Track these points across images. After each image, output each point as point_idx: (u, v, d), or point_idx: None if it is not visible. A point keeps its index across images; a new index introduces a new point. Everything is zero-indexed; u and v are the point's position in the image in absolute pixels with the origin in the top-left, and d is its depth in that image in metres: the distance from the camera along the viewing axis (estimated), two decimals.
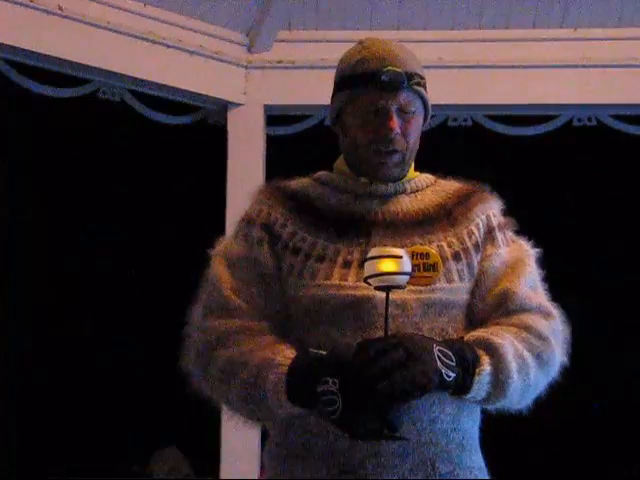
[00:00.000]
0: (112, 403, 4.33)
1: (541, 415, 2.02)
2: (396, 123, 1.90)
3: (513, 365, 1.80)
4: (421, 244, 1.89)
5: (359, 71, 1.92)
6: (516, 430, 2.20)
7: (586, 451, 4.49)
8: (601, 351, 4.41)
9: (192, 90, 4.28)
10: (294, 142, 4.42)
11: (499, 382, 1.80)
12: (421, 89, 1.94)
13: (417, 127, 1.95)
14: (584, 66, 4.36)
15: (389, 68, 1.89)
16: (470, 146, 4.41)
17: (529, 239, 2.04)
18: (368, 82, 1.90)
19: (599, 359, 4.40)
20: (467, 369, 1.77)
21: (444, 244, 1.91)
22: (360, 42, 2.00)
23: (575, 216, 4.54)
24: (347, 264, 1.87)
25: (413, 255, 1.85)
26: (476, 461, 1.91)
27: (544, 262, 2.03)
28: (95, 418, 4.33)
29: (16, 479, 3.93)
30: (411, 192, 1.98)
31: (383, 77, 1.89)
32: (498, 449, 2.19)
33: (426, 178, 2.03)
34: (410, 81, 1.91)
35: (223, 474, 4.10)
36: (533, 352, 1.85)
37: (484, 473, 1.93)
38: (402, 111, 1.91)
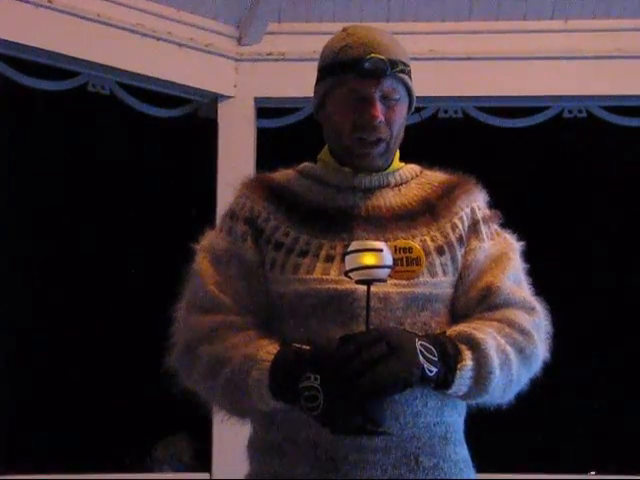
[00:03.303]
0: (100, 400, 4.32)
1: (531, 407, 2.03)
2: (379, 110, 1.88)
3: (495, 360, 1.80)
4: (404, 238, 1.88)
5: (342, 58, 1.91)
6: (503, 422, 2.20)
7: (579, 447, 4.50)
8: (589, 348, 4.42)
9: (182, 83, 4.26)
10: (285, 135, 4.40)
11: (481, 377, 1.79)
12: (405, 76, 1.92)
13: (401, 115, 1.93)
14: (575, 58, 4.35)
15: (372, 55, 1.88)
16: (461, 138, 4.40)
17: (518, 231, 2.03)
18: (351, 69, 1.89)
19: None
20: (449, 364, 1.76)
21: (427, 238, 1.90)
22: (344, 29, 1.98)
23: (565, 208, 4.54)
24: (330, 258, 1.86)
25: (396, 249, 1.84)
26: (461, 454, 1.91)
27: (532, 254, 2.02)
28: (84, 415, 4.32)
29: (7, 475, 3.92)
30: (395, 185, 1.96)
31: (366, 64, 1.87)
32: (485, 441, 2.19)
33: (411, 169, 2.01)
34: (394, 68, 1.89)
35: (215, 470, 4.10)
36: (516, 347, 1.84)
37: (469, 466, 1.93)
38: (386, 98, 1.90)
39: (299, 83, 4.14)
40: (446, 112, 4.42)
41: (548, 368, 1.94)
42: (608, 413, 4.52)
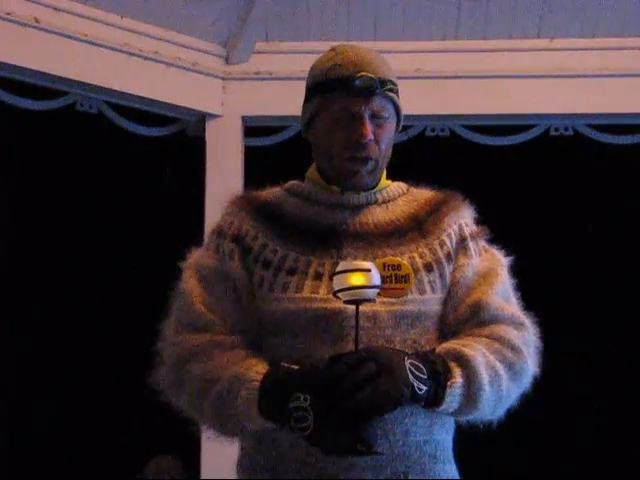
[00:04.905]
0: (90, 419, 4.30)
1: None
2: (369, 129, 1.89)
3: (485, 377, 1.80)
4: (392, 255, 1.88)
5: (332, 77, 1.92)
6: (490, 439, 2.20)
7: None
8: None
9: (170, 102, 4.28)
10: (272, 153, 4.42)
11: (471, 394, 1.79)
12: (394, 95, 1.94)
13: (390, 133, 1.94)
14: (560, 76, 4.39)
15: (362, 74, 1.89)
16: (448, 156, 4.42)
17: (505, 248, 2.04)
18: (341, 88, 1.89)
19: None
20: (439, 381, 1.76)
21: (416, 255, 1.90)
22: (332, 49, 1.99)
23: (552, 225, 4.55)
24: (318, 276, 1.86)
25: (384, 267, 1.84)
26: (450, 472, 1.91)
27: (520, 271, 2.03)
28: (73, 434, 4.30)
29: None
30: (382, 202, 1.97)
31: (356, 82, 1.88)
32: (474, 459, 2.20)
33: (398, 187, 2.02)
34: (383, 87, 1.90)
35: None
36: (505, 363, 1.85)
37: None
38: (375, 117, 1.91)
39: (287, 102, 4.15)
40: (433, 130, 4.45)
41: (537, 384, 1.95)
42: (600, 429, 4.52)
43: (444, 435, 1.90)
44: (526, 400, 1.94)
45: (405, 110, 2.00)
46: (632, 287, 4.55)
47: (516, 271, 2.02)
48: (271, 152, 4.42)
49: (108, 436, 4.33)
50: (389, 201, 1.98)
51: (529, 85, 4.38)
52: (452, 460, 1.93)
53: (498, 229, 2.04)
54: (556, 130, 4.43)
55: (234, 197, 2.01)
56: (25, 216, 4.29)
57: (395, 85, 1.94)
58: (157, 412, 1.97)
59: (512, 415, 1.94)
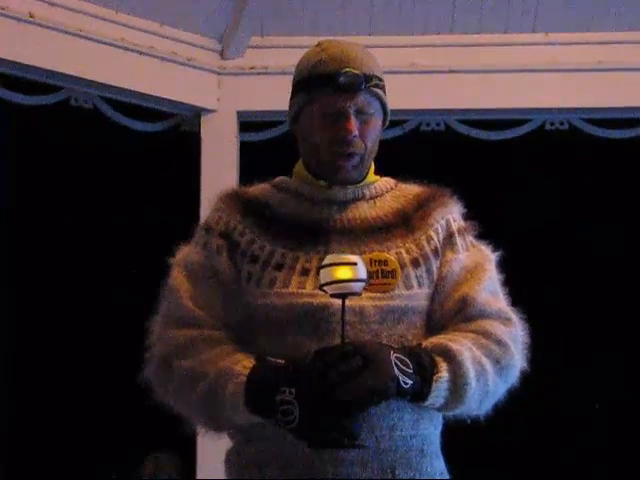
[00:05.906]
0: (85, 416, 4.30)
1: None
2: (354, 125, 1.89)
3: (471, 372, 1.80)
4: (379, 251, 1.88)
5: (317, 73, 1.92)
6: (480, 434, 2.21)
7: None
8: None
9: (165, 97, 4.28)
10: (267, 148, 4.41)
11: (457, 389, 1.80)
12: (379, 91, 1.93)
13: (375, 129, 1.94)
14: (556, 70, 4.39)
15: (347, 70, 1.89)
16: (443, 151, 4.42)
17: (500, 242, 2.04)
18: (326, 84, 1.90)
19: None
20: (425, 376, 1.77)
21: (403, 250, 1.90)
22: (318, 44, 1.99)
23: (547, 220, 4.55)
24: (305, 272, 1.86)
25: (371, 262, 1.84)
26: (437, 466, 1.91)
27: (513, 266, 2.03)
28: (69, 431, 4.30)
29: None
30: (370, 198, 1.97)
31: (341, 79, 1.88)
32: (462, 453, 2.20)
33: (386, 183, 2.02)
34: (368, 83, 1.90)
35: None
36: (492, 358, 1.85)
37: (446, 478, 1.93)
38: (360, 113, 1.90)
39: (282, 96, 4.11)
40: (428, 125, 4.44)
41: (524, 380, 1.95)
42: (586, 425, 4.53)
43: (432, 430, 1.90)
44: (514, 395, 1.94)
45: (400, 104, 2.00)
46: (627, 281, 4.55)
47: (508, 266, 2.02)
48: (266, 147, 4.42)
49: (105, 434, 4.34)
50: (377, 197, 1.98)
51: (524, 79, 4.37)
52: (440, 455, 1.93)
53: (493, 223, 2.04)
54: (551, 124, 4.43)
55: (222, 193, 2.02)
56: (18, 212, 4.29)
57: (381, 80, 1.94)
58: (153, 409, 1.97)
59: (500, 410, 1.94)
